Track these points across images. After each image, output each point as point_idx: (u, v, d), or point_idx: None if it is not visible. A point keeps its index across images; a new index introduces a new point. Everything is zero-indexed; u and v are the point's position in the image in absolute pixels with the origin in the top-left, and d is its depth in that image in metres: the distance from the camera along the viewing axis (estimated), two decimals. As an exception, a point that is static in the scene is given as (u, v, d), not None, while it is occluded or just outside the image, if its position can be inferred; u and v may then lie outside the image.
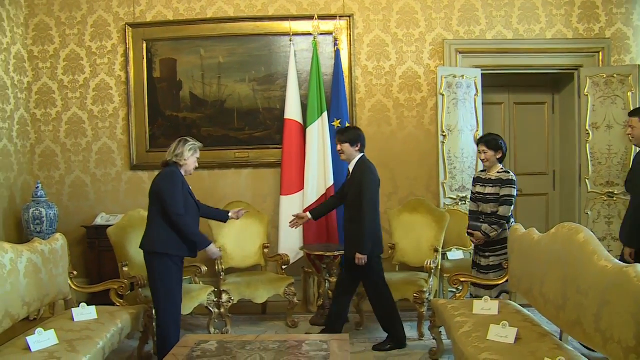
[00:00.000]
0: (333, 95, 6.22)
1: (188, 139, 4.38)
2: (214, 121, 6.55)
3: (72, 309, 4.15)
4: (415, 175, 6.52)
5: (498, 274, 4.59)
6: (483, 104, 6.40)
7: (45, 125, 6.74)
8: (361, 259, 4.58)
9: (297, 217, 5.02)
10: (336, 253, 5.42)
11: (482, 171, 4.79)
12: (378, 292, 4.76)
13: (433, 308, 4.55)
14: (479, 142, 4.70)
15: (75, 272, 4.69)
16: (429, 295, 5.12)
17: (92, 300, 5.64)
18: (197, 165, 4.42)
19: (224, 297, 5.33)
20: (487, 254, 4.65)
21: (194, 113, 6.57)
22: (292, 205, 6.08)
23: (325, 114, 6.17)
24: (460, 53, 6.42)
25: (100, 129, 6.73)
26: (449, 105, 6.31)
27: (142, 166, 6.66)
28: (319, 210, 5.09)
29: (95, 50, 6.66)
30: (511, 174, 4.58)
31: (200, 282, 5.48)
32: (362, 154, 4.73)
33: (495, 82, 6.84)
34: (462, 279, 4.59)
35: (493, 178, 4.63)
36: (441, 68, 6.31)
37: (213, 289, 5.26)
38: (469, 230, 4.72)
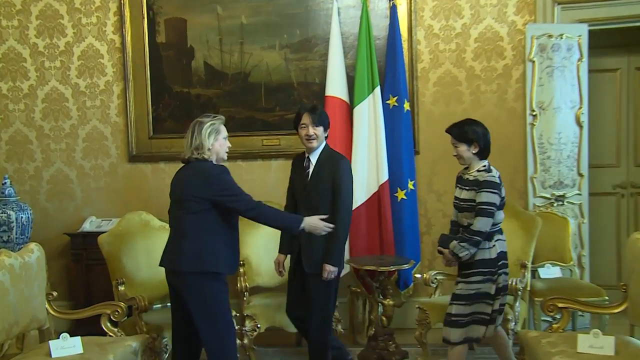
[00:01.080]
0: (388, 66, 6.22)
1: (202, 118, 4.30)
2: (236, 99, 6.59)
3: (50, 342, 4.09)
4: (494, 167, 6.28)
5: (462, 308, 4.39)
6: (590, 71, 6.30)
7: (14, 103, 6.78)
8: (331, 272, 4.64)
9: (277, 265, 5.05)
10: (392, 268, 5.45)
11: (465, 168, 4.67)
12: None
13: (521, 342, 4.54)
14: (447, 131, 4.60)
15: (54, 293, 4.66)
16: (515, 325, 5.07)
17: (76, 329, 5.67)
18: (229, 145, 4.37)
19: (248, 324, 5.38)
20: (457, 279, 4.53)
21: (209, 89, 6.61)
22: None
23: (377, 90, 6.17)
24: (558, 4, 6.32)
25: (89, 108, 6.74)
26: (542, 75, 6.24)
27: (144, 157, 6.69)
28: (284, 240, 5.03)
29: (80, 5, 6.68)
30: (492, 173, 4.44)
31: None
32: (325, 143, 4.82)
33: (608, 42, 6.77)
34: (560, 305, 4.49)
35: (470, 179, 4.52)
36: (532, 26, 6.25)
37: (234, 313, 5.08)
38: (438, 248, 4.58)
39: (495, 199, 4.36)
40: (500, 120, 6.41)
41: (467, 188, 4.52)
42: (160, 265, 4.30)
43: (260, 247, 5.82)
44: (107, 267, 5.10)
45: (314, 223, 4.39)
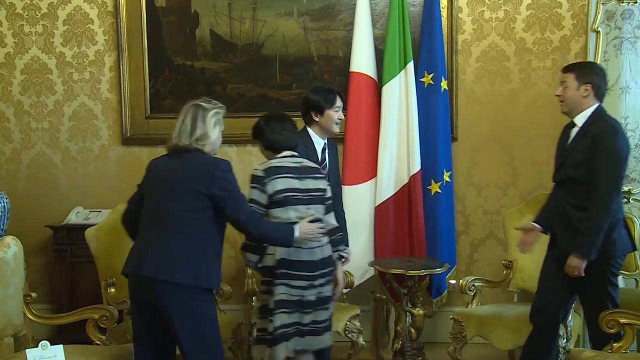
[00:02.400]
0: (423, 38, 6.20)
1: (203, 103, 4.23)
2: (246, 74, 6.60)
3: (27, 350, 4.00)
4: (546, 159, 6.17)
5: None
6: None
7: (-15, 74, 6.84)
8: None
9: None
10: (423, 272, 5.49)
11: None
12: None
13: (574, 363, 4.54)
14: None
15: (34, 295, 4.64)
16: (567, 342, 5.02)
17: (58, 336, 5.70)
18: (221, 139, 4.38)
19: (256, 332, 5.17)
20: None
21: (216, 62, 6.61)
22: (359, 199, 6.05)
23: (410, 66, 6.15)
24: (632, -39, 6.25)
25: (76, 82, 6.72)
26: (608, 48, 6.20)
27: (139, 139, 6.70)
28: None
29: (65, -41, 6.74)
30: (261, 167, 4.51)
31: (222, 311, 5.50)
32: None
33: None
34: (622, 320, 4.37)
35: None
36: (597, -11, 6.23)
37: (240, 321, 5.36)
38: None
39: (255, 195, 4.46)
40: (554, 102, 5.77)
41: None
42: (133, 271, 4.06)
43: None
44: (95, 265, 5.10)
45: (306, 228, 4.27)
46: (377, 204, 6.08)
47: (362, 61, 6.17)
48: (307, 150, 4.92)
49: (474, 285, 5.51)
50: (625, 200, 6.11)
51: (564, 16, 6.36)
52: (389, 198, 6.05)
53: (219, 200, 4.00)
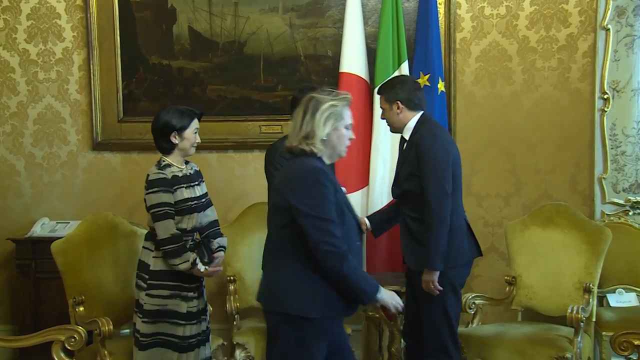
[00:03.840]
0: (418, 36, 6.18)
1: (319, 94, 3.87)
2: (228, 75, 6.60)
3: None
4: (551, 165, 6.45)
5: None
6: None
7: (-59, 73, 6.83)
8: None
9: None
10: None
11: None
12: None
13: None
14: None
15: None
16: None
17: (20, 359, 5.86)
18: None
19: (240, 354, 5.43)
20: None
21: (195, 61, 6.62)
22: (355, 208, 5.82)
23: (405, 66, 6.14)
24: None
25: (42, 82, 6.70)
26: (618, 47, 6.24)
27: (111, 144, 6.68)
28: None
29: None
30: (154, 172, 4.67)
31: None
32: None
33: None
34: (637, 342, 4.30)
35: None
36: (608, -19, 6.29)
37: (221, 341, 5.36)
38: None
39: (162, 199, 4.61)
40: (561, 104, 6.41)
41: None
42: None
43: (255, 258, 5.66)
44: (63, 281, 5.05)
45: (390, 297, 3.94)
46: (368, 214, 5.78)
47: (353, 61, 6.15)
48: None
49: (474, 303, 5.48)
50: (638, 211, 6.16)
51: (571, 12, 6.36)
52: (384, 207, 5.88)
53: (298, 216, 3.71)
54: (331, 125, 3.77)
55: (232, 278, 5.65)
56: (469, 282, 6.22)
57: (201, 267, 4.59)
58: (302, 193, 3.68)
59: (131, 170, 6.54)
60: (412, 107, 4.81)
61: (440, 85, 6.08)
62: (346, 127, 3.84)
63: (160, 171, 4.63)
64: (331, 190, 3.72)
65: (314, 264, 3.70)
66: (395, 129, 4.93)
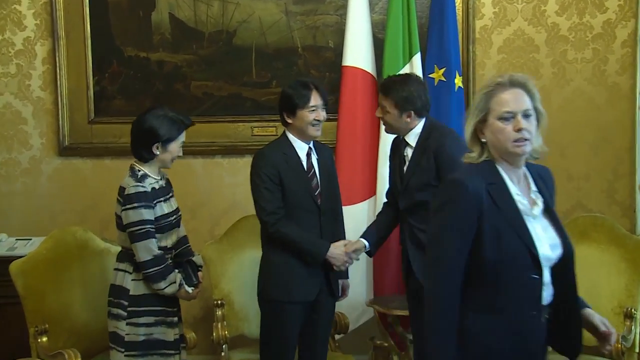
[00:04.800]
0: (432, 24, 6.15)
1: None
2: (215, 69, 6.58)
3: None
4: (585, 171, 6.46)
5: None
6: None
7: None
8: None
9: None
10: None
11: None
12: None
13: None
14: None
15: None
16: None
17: None
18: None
19: None
20: None
21: (177, 54, 6.59)
22: (354, 223, 5.86)
23: (417, 58, 6.10)
24: None
25: None
26: None
27: (81, 149, 6.64)
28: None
29: None
30: (132, 185, 4.64)
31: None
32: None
33: None
34: None
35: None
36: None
37: None
38: None
39: (142, 216, 4.64)
40: (596, 101, 6.41)
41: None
42: None
43: (246, 279, 5.69)
44: (23, 307, 5.03)
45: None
46: (363, 234, 5.67)
47: (358, 53, 6.14)
48: (287, 157, 4.94)
49: (496, 329, 5.41)
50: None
51: (607, -5, 6.38)
52: (373, 223, 5.64)
53: None
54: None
55: (219, 302, 5.59)
56: None
57: (189, 289, 4.61)
58: None
59: (103, 178, 6.47)
60: (423, 114, 4.89)
61: (458, 81, 6.05)
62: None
63: (139, 183, 4.57)
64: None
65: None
66: (395, 131, 4.95)
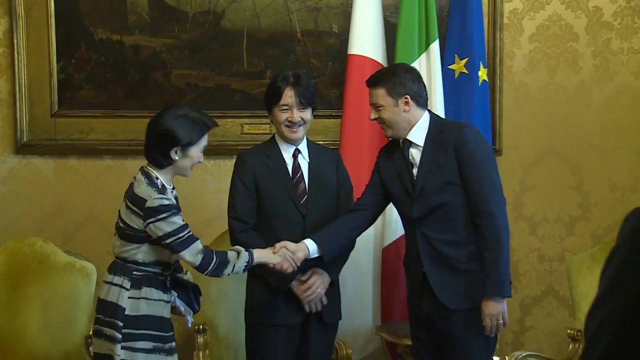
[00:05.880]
0: (453, 7, 6.13)
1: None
2: (200, 56, 6.53)
3: None
4: (631, 181, 6.43)
5: None
6: None
7: None
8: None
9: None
10: None
11: None
12: None
13: None
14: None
15: None
16: None
17: None
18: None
19: None
20: None
21: (156, 37, 6.51)
22: (360, 239, 5.70)
23: (435, 47, 6.05)
24: None
25: None
26: None
27: (42, 146, 6.53)
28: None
29: None
30: (155, 197, 4.61)
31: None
32: None
33: None
34: None
35: None
36: None
37: None
38: None
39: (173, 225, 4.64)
40: None
41: None
42: None
43: (232, 301, 5.75)
44: None
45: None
46: (384, 245, 5.96)
47: (366, 40, 6.09)
48: (268, 160, 5.04)
49: (525, 363, 5.43)
50: None
51: (662, -27, 6.20)
52: (401, 236, 5.63)
53: None
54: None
55: (201, 327, 5.50)
56: (518, 336, 6.49)
57: (189, 319, 4.73)
58: None
59: (68, 181, 6.42)
60: (421, 103, 4.87)
61: (482, 73, 6.01)
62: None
63: (163, 196, 4.54)
64: None
65: None
66: (396, 131, 4.85)
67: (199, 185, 6.53)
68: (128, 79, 6.34)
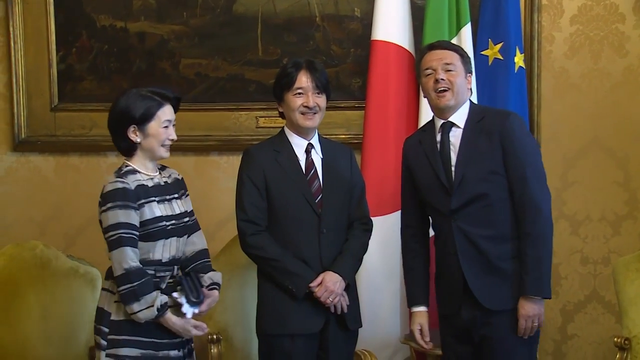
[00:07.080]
0: None
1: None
2: (210, 44, 6.58)
3: None
4: None
5: None
6: None
7: None
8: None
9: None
10: None
11: None
12: None
13: None
14: None
15: None
16: None
17: None
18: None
19: None
20: None
21: (163, 24, 6.59)
22: (385, 239, 5.97)
23: (467, 31, 6.10)
24: None
25: None
26: None
27: (41, 142, 6.64)
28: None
29: None
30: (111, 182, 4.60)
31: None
32: None
33: None
34: None
35: None
36: None
37: None
38: None
39: (117, 219, 4.54)
40: None
41: None
42: None
43: (248, 308, 5.71)
44: None
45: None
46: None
47: (391, 24, 6.12)
48: (278, 155, 5.00)
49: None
50: None
51: None
52: (431, 236, 5.64)
53: None
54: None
55: (215, 337, 5.53)
56: (559, 345, 6.45)
57: (188, 311, 4.48)
58: None
59: (70, 180, 6.50)
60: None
61: (518, 59, 6.04)
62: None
63: (120, 179, 4.48)
64: None
65: None
66: (456, 102, 4.79)
67: (209, 184, 6.60)
68: (133, 69, 6.37)
